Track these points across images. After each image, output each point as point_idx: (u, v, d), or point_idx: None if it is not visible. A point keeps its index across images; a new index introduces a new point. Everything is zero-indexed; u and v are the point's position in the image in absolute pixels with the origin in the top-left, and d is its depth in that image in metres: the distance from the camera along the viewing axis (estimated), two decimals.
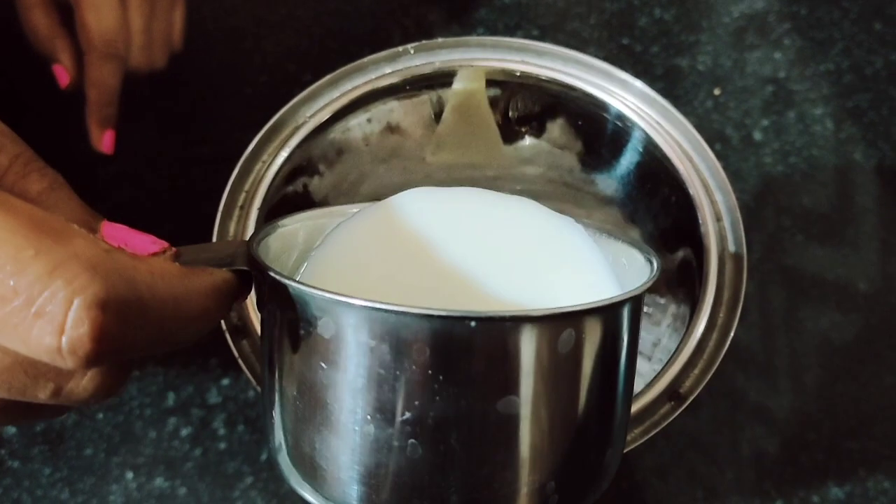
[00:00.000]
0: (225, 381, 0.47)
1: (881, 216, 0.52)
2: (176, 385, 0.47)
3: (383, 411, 0.24)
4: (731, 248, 0.36)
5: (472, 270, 0.28)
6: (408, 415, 0.24)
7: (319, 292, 0.23)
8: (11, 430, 0.46)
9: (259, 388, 0.32)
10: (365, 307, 0.23)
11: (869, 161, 0.55)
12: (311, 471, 0.26)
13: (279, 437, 0.27)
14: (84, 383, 0.23)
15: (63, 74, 0.48)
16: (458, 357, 0.23)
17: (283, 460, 0.27)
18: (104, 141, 0.48)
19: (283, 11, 0.61)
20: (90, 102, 0.48)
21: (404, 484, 0.25)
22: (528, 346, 0.23)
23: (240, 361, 0.33)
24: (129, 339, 0.21)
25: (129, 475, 0.45)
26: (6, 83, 0.53)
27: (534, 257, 0.30)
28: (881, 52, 0.59)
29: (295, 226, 0.31)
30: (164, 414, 0.46)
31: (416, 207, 0.30)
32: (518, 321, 0.23)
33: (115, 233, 0.24)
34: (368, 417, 0.24)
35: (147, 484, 0.44)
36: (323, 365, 0.24)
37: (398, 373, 0.23)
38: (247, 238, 0.31)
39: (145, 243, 0.24)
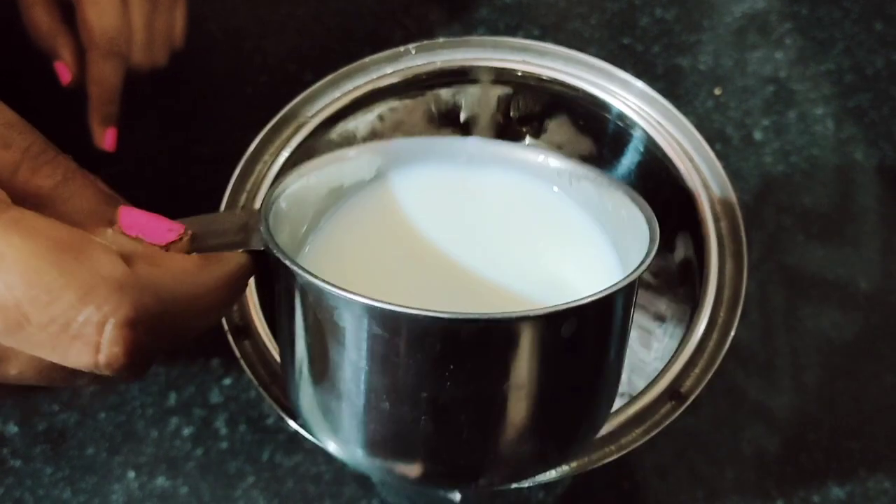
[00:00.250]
0: (226, 381, 0.47)
1: (882, 215, 0.52)
2: (178, 385, 0.47)
3: (397, 392, 0.25)
4: (732, 247, 0.36)
5: (477, 253, 0.30)
6: (421, 396, 0.25)
7: (335, 290, 0.24)
8: (13, 429, 0.46)
9: (260, 389, 0.32)
10: (379, 308, 0.23)
11: (870, 161, 0.55)
12: (328, 429, 0.28)
13: (297, 394, 0.28)
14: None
15: (65, 72, 0.48)
16: (468, 351, 0.24)
17: (303, 413, 0.29)
18: (106, 138, 0.48)
19: (283, 11, 0.61)
20: (92, 100, 0.48)
21: (415, 452, 0.27)
22: (534, 337, 0.25)
23: (241, 362, 0.33)
24: (156, 343, 0.23)
25: (131, 474, 0.45)
26: (8, 80, 0.53)
27: (532, 232, 0.31)
28: (882, 51, 0.59)
29: (303, 181, 0.31)
30: (166, 413, 0.46)
31: (418, 185, 0.32)
32: (525, 320, 0.24)
33: (133, 221, 0.24)
34: (384, 396, 0.25)
35: (149, 483, 0.44)
36: (339, 347, 0.25)
37: (411, 362, 0.24)
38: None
39: (162, 231, 0.24)
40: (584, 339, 0.26)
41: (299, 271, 0.24)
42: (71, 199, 0.24)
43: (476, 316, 0.23)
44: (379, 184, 0.32)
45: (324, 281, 0.24)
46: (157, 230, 0.24)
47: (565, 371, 0.26)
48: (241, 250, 0.26)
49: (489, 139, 0.32)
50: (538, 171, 0.33)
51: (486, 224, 0.32)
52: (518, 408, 0.26)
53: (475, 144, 0.33)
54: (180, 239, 0.25)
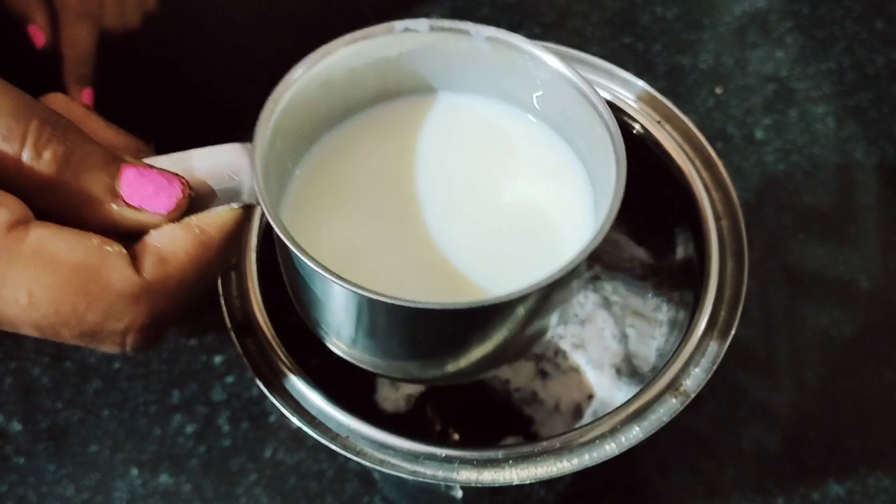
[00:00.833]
0: (229, 379, 0.47)
1: (882, 214, 0.53)
2: (180, 382, 0.47)
3: (386, 335, 0.29)
4: (733, 246, 0.36)
5: (455, 189, 0.32)
6: (406, 338, 0.29)
7: (329, 276, 0.25)
8: (17, 426, 0.46)
9: (263, 387, 0.33)
10: (346, 289, 0.25)
11: (870, 159, 0.55)
12: (318, 330, 0.31)
13: (297, 303, 0.31)
14: None
15: (39, 35, 0.49)
16: (449, 322, 0.27)
17: (303, 313, 0.32)
18: (83, 98, 0.49)
19: (285, 9, 0.61)
20: (67, 61, 0.49)
21: (398, 368, 0.32)
22: (507, 309, 0.27)
23: (244, 359, 0.33)
24: (171, 324, 0.26)
25: (134, 472, 0.45)
26: None
27: (509, 164, 0.33)
28: (883, 50, 0.59)
29: (290, 91, 0.31)
30: (169, 411, 0.46)
31: (400, 115, 0.34)
32: (499, 303, 0.26)
33: (133, 192, 0.26)
34: (372, 334, 0.29)
35: (152, 480, 0.45)
36: (333, 299, 0.28)
37: (396, 321, 0.28)
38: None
39: (162, 200, 0.26)
40: (550, 294, 0.28)
41: (284, 238, 0.26)
42: (75, 178, 0.25)
43: (433, 306, 0.25)
44: (362, 115, 0.33)
45: (305, 254, 0.26)
46: (158, 199, 0.26)
47: (532, 316, 0.29)
48: (236, 206, 0.27)
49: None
50: (515, 98, 0.33)
51: (462, 156, 0.33)
52: (476, 345, 0.29)
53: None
54: (179, 205, 0.26)
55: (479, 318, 0.28)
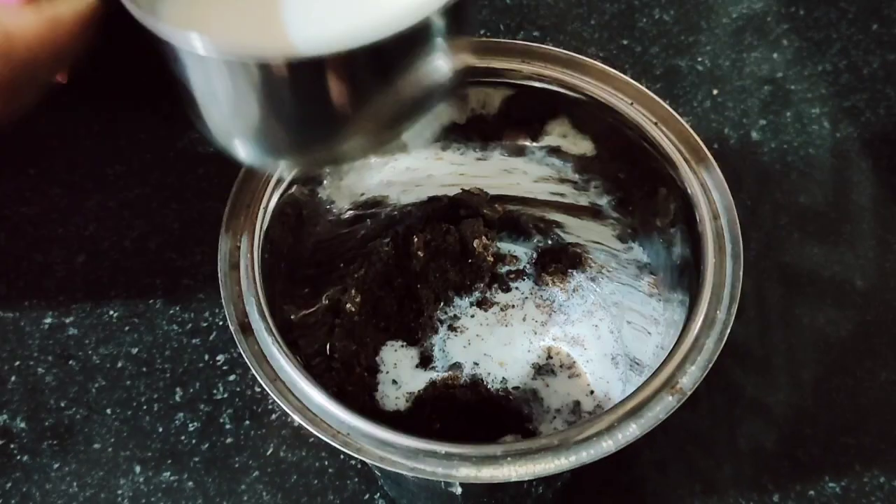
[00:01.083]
0: (231, 377, 0.48)
1: (877, 214, 0.53)
2: (183, 381, 0.48)
3: (258, 110, 0.28)
4: (729, 246, 0.36)
5: None
6: (273, 106, 0.28)
7: (156, 25, 0.25)
8: (21, 424, 0.47)
9: (265, 385, 0.33)
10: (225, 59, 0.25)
11: (865, 160, 0.55)
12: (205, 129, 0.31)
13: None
14: None
15: None
16: (308, 78, 0.27)
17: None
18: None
19: None
20: None
21: (282, 144, 0.31)
22: (358, 62, 0.27)
23: (246, 357, 0.34)
24: (20, 99, 0.27)
25: (137, 469, 0.45)
26: None
27: None
28: (878, 52, 0.60)
29: None
30: (172, 409, 0.47)
31: None
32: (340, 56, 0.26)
33: None
34: (247, 106, 0.28)
35: (155, 478, 0.45)
36: (193, 72, 0.27)
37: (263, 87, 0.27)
38: None
39: None
40: (405, 52, 0.28)
41: (141, 20, 0.25)
42: None
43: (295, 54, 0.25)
44: None
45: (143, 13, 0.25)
46: None
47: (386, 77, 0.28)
48: None
49: None
50: None
51: None
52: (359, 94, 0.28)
53: None
54: None
55: (348, 61, 0.27)
